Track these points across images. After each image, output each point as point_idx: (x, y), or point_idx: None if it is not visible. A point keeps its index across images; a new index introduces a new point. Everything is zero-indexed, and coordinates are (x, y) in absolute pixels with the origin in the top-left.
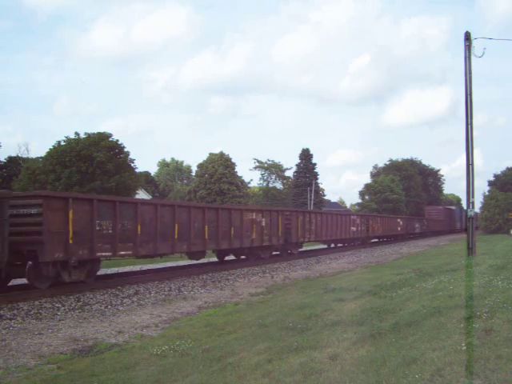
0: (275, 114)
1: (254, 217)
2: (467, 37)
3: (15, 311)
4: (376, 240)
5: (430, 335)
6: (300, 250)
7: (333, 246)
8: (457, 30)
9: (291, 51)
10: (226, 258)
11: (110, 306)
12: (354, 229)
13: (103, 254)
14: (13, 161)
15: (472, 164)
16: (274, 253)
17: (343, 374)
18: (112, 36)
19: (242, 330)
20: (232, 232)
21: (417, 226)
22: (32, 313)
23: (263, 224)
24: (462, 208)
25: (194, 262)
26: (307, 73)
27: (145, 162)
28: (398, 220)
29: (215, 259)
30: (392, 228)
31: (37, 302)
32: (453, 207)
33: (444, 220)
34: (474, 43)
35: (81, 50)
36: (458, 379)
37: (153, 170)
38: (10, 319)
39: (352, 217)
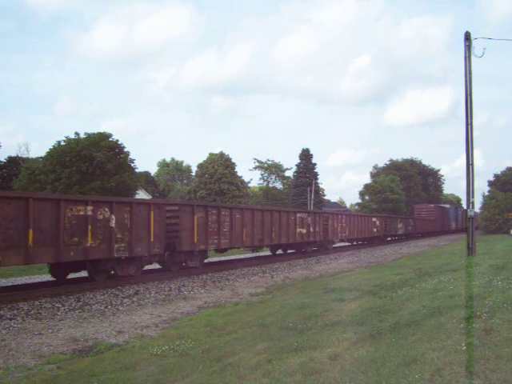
0: (276, 114)
1: (91, 212)
2: (467, 37)
3: (15, 311)
4: (342, 244)
5: (430, 335)
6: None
7: (280, 252)
8: (458, 31)
9: (292, 51)
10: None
11: (109, 306)
12: (302, 231)
13: None
14: (13, 161)
15: (472, 164)
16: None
17: (343, 374)
18: (113, 36)
19: (242, 330)
20: (31, 237)
21: (400, 226)
22: (32, 313)
23: (112, 224)
24: (457, 207)
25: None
26: (308, 73)
27: (145, 162)
28: (374, 219)
29: (216, 259)
30: (364, 229)
31: (37, 302)
32: (447, 206)
33: (436, 220)
34: (474, 43)
35: (82, 50)
36: (457, 379)
37: (153, 170)
38: (10, 319)
39: (298, 215)
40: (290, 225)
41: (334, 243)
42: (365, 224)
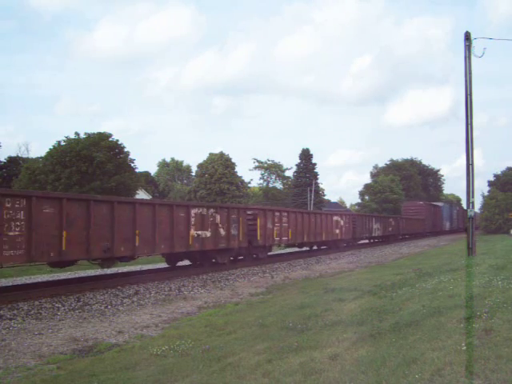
0: (276, 114)
1: None
2: (467, 37)
3: (15, 311)
4: (284, 252)
5: (430, 335)
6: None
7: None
8: (459, 31)
9: (293, 51)
10: None
11: (109, 306)
12: (203, 234)
13: None
14: (13, 161)
15: (472, 164)
16: None
17: (343, 373)
18: (115, 36)
19: (242, 329)
20: None
21: (376, 227)
22: (32, 313)
23: None
24: (452, 205)
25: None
26: (309, 73)
27: (145, 162)
28: (336, 218)
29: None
30: (321, 231)
31: (37, 302)
32: (439, 204)
33: (425, 219)
34: (474, 43)
35: (83, 50)
36: (457, 379)
37: (153, 170)
38: (10, 319)
39: (194, 211)
40: (178, 225)
41: (270, 250)
42: (321, 224)
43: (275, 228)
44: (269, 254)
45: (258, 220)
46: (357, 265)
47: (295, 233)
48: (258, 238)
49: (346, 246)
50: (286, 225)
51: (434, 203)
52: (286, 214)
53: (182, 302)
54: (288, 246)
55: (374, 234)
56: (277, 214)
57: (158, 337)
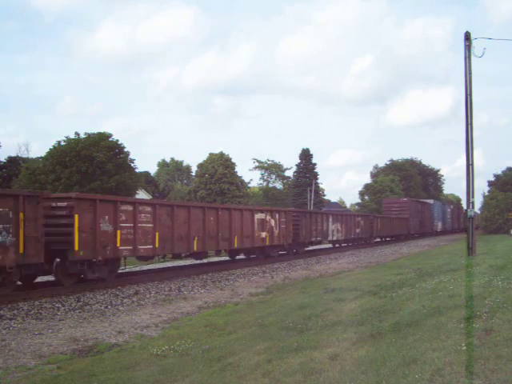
0: (277, 115)
1: None
2: (467, 37)
3: (15, 311)
4: (143, 268)
5: (430, 335)
6: None
7: None
8: (460, 31)
9: (295, 52)
10: None
11: (109, 306)
12: None
13: None
14: (13, 161)
15: (472, 164)
16: None
17: (343, 373)
18: (117, 36)
19: (242, 329)
20: None
21: (334, 228)
22: (32, 313)
23: None
24: (445, 203)
25: (194, 262)
26: (310, 73)
27: (145, 162)
28: (261, 216)
29: (216, 259)
30: (230, 235)
31: (37, 302)
32: (429, 201)
33: (410, 218)
34: (474, 43)
35: (85, 51)
36: (458, 379)
37: (153, 170)
38: (10, 319)
39: None
40: None
41: (117, 266)
42: (232, 225)
43: (121, 231)
44: (120, 271)
45: (77, 217)
46: (357, 265)
47: (170, 238)
48: (77, 247)
49: (286, 253)
50: (150, 225)
51: (423, 200)
52: (148, 207)
53: (182, 301)
54: (174, 257)
55: (331, 238)
56: (125, 207)
57: (158, 337)
